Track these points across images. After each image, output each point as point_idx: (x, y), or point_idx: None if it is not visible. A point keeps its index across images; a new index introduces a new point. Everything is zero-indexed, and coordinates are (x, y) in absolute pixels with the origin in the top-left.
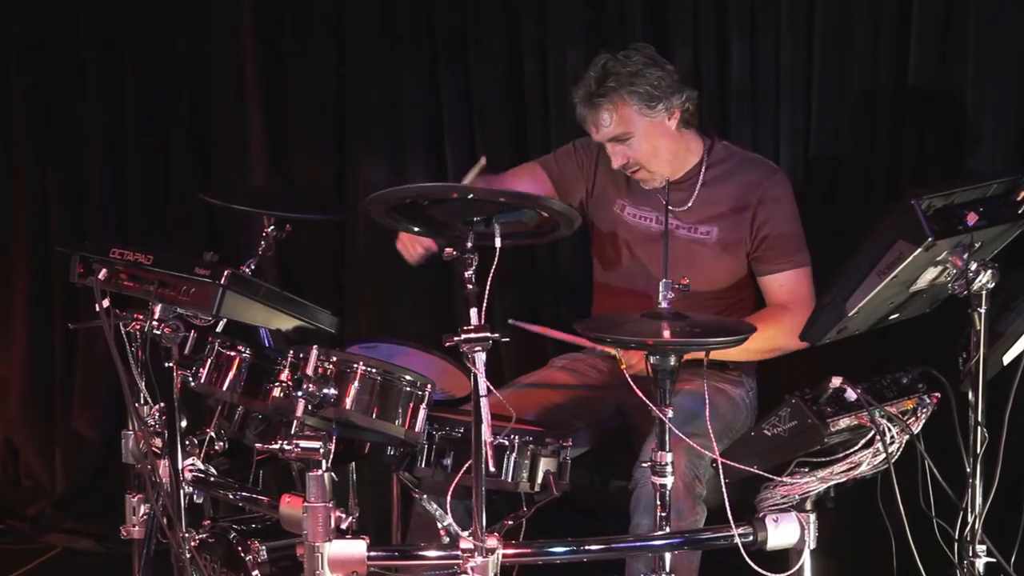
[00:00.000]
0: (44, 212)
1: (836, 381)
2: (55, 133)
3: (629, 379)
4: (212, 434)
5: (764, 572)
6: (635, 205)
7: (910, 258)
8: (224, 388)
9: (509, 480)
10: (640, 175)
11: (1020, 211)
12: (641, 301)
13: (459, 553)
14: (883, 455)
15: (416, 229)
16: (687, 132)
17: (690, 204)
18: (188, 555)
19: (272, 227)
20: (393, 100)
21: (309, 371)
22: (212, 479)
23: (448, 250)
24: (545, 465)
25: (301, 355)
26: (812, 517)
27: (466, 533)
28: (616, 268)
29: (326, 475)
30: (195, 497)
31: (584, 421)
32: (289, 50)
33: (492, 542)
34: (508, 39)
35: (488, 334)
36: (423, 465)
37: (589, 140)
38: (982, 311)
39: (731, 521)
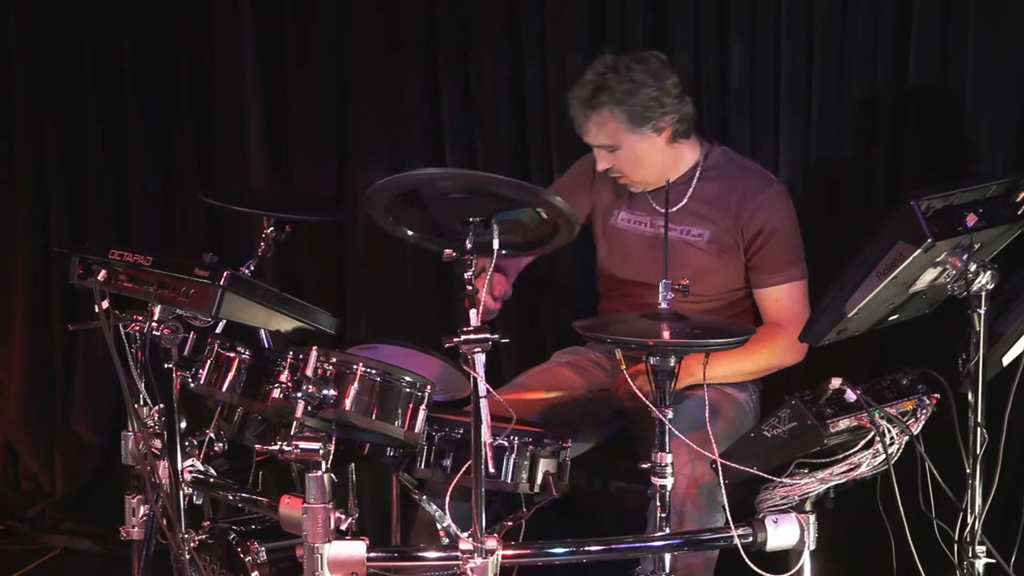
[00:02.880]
0: (44, 214)
1: (836, 382)
2: (56, 135)
3: (630, 380)
4: (212, 435)
5: (764, 573)
6: (630, 210)
7: (909, 259)
8: (223, 389)
9: (508, 481)
10: (624, 181)
11: (1019, 212)
12: (642, 307)
13: (459, 554)
14: (883, 456)
15: (411, 233)
16: (681, 143)
17: (683, 204)
18: (187, 556)
19: (272, 228)
20: (394, 103)
21: (309, 372)
22: (211, 480)
23: (447, 251)
24: (545, 466)
25: (300, 356)
26: (812, 518)
27: (465, 534)
28: (616, 275)
29: (326, 476)
30: (195, 498)
31: (587, 420)
32: (289, 52)
33: (492, 543)
34: (509, 43)
35: (487, 335)
36: (423, 466)
37: (590, 156)
38: (982, 312)
39: (731, 522)
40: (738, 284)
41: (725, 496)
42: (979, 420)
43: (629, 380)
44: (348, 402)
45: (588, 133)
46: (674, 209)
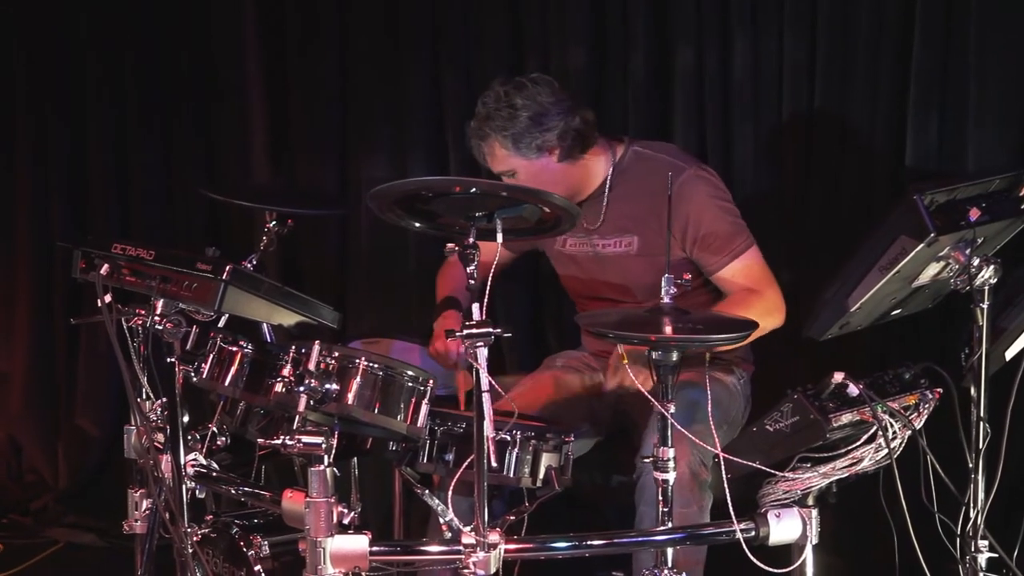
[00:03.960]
0: (46, 208)
1: (838, 377)
2: (57, 129)
3: (630, 373)
4: (214, 429)
5: (766, 568)
6: (572, 234)
7: (912, 253)
8: (226, 383)
9: (511, 475)
10: None
11: (1023, 206)
12: None
13: (461, 548)
14: (885, 451)
15: (417, 225)
16: (581, 157)
17: (601, 219)
18: (190, 550)
19: (274, 222)
20: (396, 98)
21: (311, 366)
22: (214, 474)
23: (450, 245)
24: (547, 460)
25: (303, 350)
26: (814, 512)
27: (468, 528)
28: (580, 294)
29: (328, 470)
30: (197, 492)
31: (584, 420)
32: (292, 47)
33: (494, 537)
34: (511, 37)
35: (490, 329)
36: (425, 461)
37: None
38: (984, 307)
39: (733, 516)
40: (688, 277)
41: (727, 490)
42: (982, 415)
43: (630, 375)
44: (351, 396)
45: (488, 163)
46: (596, 225)
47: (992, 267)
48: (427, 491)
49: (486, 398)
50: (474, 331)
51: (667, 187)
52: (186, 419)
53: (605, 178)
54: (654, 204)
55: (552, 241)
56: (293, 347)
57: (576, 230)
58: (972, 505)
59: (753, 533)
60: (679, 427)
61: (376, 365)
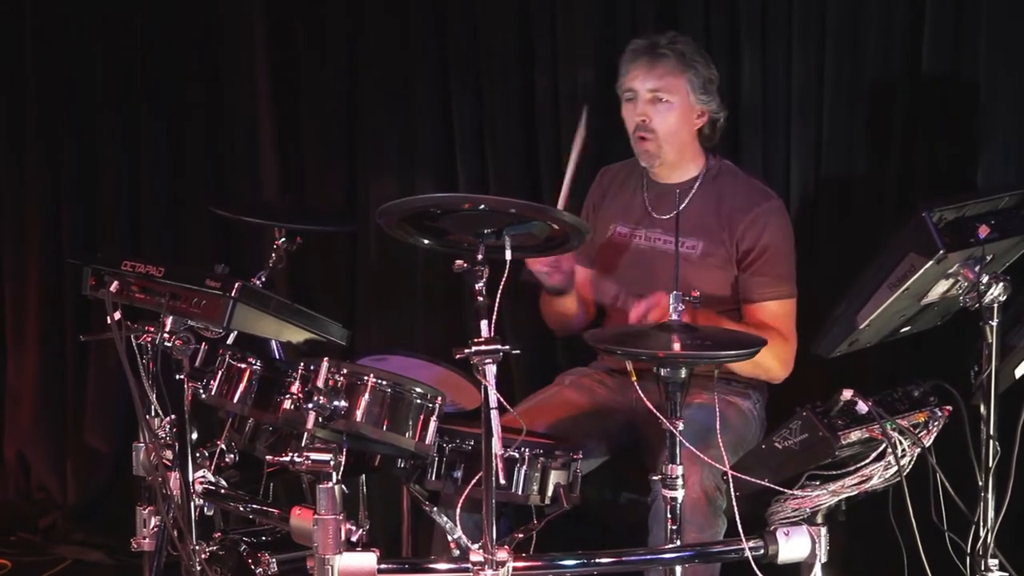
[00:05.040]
0: (57, 225)
1: (847, 394)
2: (68, 146)
3: (640, 392)
4: (223, 446)
5: None
6: (625, 224)
7: (921, 271)
8: (235, 400)
9: (519, 493)
10: (645, 145)
11: None
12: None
13: (470, 566)
14: (895, 468)
15: (426, 242)
16: (697, 142)
17: (672, 212)
18: (198, 567)
19: (283, 239)
20: (404, 114)
21: (320, 383)
22: (222, 491)
23: (458, 262)
24: (556, 478)
25: (312, 367)
26: (823, 531)
27: (476, 546)
28: (613, 289)
29: (336, 487)
30: (205, 509)
31: (594, 438)
32: (301, 64)
33: (502, 555)
34: (520, 54)
35: (498, 346)
36: (433, 478)
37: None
38: (994, 324)
39: (742, 534)
40: (730, 299)
41: (736, 508)
42: (991, 432)
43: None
44: (359, 413)
45: (650, 74)
46: (669, 216)
47: (1001, 284)
48: (435, 508)
49: (494, 415)
50: (482, 348)
51: (746, 208)
52: (195, 436)
53: (695, 177)
54: (732, 218)
55: (603, 232)
56: (302, 364)
57: (641, 218)
58: (982, 523)
59: (762, 551)
60: (688, 446)
61: (384, 382)
